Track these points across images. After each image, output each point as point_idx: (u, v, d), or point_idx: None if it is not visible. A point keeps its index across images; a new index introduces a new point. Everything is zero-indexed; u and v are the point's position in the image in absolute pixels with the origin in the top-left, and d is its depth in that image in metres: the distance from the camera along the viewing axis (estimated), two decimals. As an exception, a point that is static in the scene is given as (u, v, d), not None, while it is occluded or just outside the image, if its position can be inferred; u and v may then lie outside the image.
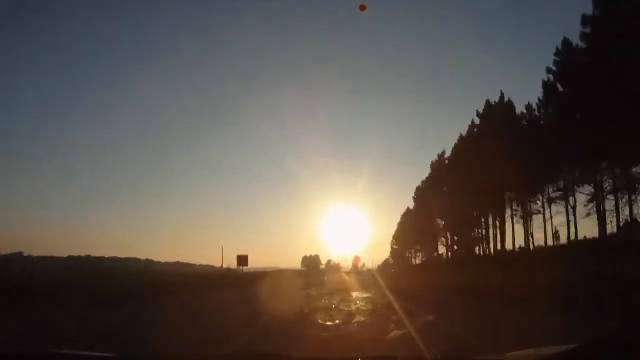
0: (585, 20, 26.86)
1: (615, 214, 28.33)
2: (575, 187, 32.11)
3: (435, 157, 57.84)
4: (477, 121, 44.32)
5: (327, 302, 15.79)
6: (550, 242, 36.75)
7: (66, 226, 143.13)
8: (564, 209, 33.93)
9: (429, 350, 5.66)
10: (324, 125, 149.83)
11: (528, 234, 38.87)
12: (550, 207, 36.58)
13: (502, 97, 40.79)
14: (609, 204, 28.98)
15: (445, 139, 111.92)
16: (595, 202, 29.89)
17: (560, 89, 30.61)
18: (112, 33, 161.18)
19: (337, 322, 9.90)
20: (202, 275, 44.50)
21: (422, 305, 13.48)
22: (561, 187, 33.91)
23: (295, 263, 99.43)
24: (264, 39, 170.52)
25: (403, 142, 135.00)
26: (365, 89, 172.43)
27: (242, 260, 48.08)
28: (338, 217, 74.30)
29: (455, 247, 57.87)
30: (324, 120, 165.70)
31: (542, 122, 33.61)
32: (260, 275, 40.12)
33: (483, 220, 48.29)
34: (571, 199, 32.87)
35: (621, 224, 27.78)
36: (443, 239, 60.51)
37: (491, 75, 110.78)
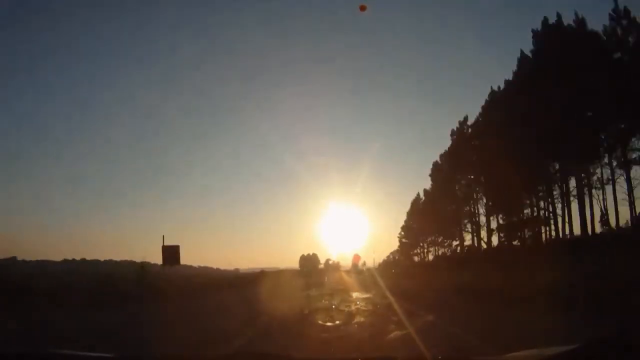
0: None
1: None
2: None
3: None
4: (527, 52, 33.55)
5: (327, 302, 15.81)
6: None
7: (59, 230, 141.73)
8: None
9: (428, 351, 5.67)
10: (324, 124, 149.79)
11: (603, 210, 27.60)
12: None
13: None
14: None
15: (445, 138, 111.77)
16: None
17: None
18: (112, 33, 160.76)
19: (337, 322, 9.91)
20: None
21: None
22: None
23: (295, 262, 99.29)
24: (264, 39, 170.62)
25: (403, 142, 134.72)
26: (365, 89, 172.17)
27: (170, 254, 25.28)
28: (337, 216, 73.88)
29: (500, 234, 41.90)
30: (323, 120, 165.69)
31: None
32: (259, 275, 40.09)
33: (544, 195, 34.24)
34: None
35: None
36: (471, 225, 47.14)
37: (491, 75, 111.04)
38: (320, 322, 9.97)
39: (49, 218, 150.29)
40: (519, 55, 34.42)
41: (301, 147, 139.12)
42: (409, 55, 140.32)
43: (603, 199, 28.26)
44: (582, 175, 29.32)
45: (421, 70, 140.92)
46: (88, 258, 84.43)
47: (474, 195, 46.01)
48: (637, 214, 26.03)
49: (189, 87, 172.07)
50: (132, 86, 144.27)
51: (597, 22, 36.07)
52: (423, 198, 63.98)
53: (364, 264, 69.40)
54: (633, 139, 25.95)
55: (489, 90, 40.56)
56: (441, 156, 53.32)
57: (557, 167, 32.10)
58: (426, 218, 58.62)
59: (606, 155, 27.87)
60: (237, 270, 60.61)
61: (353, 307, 13.43)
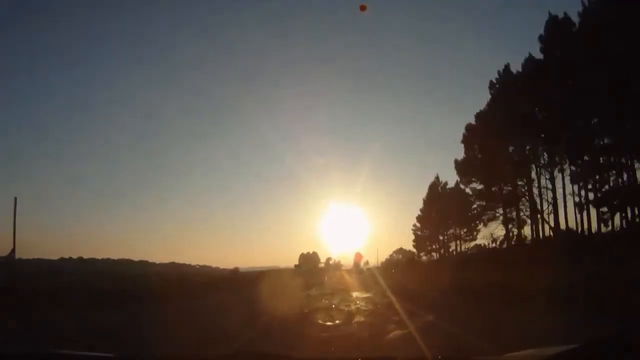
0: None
1: None
2: None
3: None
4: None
5: (327, 301, 15.80)
6: None
7: (55, 228, 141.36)
8: None
9: (429, 350, 5.67)
10: (324, 124, 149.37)
11: None
12: None
13: None
14: None
15: (445, 138, 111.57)
16: None
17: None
18: (112, 33, 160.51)
19: (337, 322, 9.90)
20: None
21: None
22: None
23: (295, 261, 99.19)
24: (264, 39, 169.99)
25: (404, 141, 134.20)
26: (365, 89, 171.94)
27: None
28: (338, 216, 73.86)
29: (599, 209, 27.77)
30: (323, 120, 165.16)
31: None
32: (259, 275, 40.02)
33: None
34: None
35: None
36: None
37: (491, 75, 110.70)
38: (320, 321, 9.97)
39: (49, 218, 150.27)
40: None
41: (301, 147, 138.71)
42: (409, 55, 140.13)
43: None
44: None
45: (421, 70, 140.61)
46: (85, 257, 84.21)
47: (540, 160, 32.83)
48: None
49: (189, 87, 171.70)
50: (132, 86, 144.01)
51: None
52: (442, 182, 53.48)
53: (367, 262, 68.96)
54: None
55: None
56: (477, 116, 39.32)
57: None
58: (452, 202, 46.29)
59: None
60: (237, 269, 60.46)
61: (353, 307, 13.43)
